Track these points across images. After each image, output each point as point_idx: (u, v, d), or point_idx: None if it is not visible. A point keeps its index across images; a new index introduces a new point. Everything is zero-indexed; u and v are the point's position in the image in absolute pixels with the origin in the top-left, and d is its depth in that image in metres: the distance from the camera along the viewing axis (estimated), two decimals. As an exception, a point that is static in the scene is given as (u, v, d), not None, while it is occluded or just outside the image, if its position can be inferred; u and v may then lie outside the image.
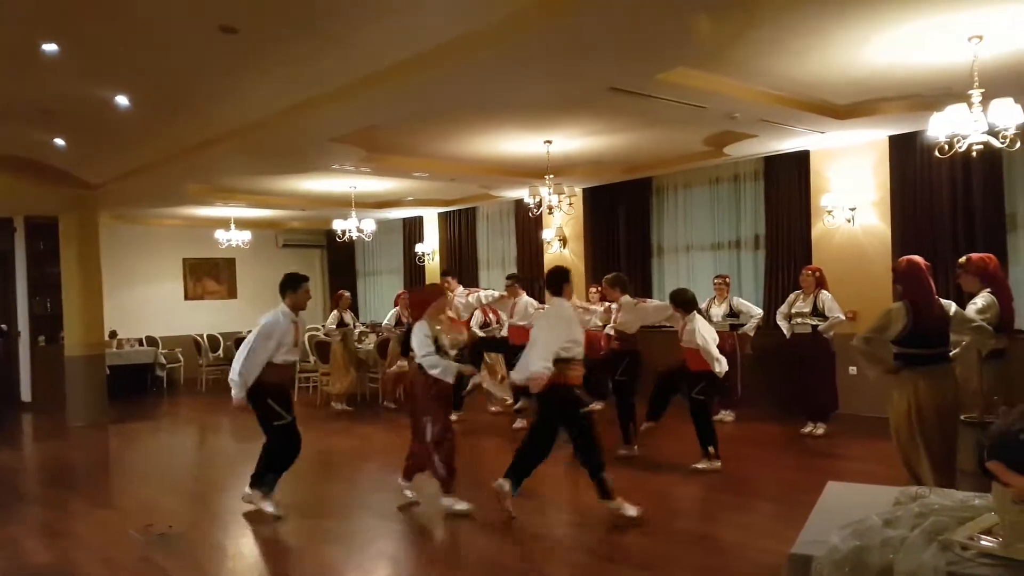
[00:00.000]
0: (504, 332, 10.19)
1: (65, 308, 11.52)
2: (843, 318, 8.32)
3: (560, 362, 5.65)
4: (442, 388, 6.22)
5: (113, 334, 13.82)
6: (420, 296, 6.67)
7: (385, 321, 11.62)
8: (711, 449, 7.16)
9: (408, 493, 6.42)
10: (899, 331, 4.89)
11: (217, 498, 7.15)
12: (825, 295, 8.35)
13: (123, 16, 5.12)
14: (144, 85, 6.72)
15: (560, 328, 5.76)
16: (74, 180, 10.80)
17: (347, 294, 12.38)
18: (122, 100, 7.00)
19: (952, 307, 5.08)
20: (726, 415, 9.24)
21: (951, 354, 5.16)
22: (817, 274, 8.47)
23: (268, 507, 6.24)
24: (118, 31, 5.41)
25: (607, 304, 8.46)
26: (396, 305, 11.60)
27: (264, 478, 6.34)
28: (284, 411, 6.33)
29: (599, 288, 9.79)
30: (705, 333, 7.09)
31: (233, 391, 6.17)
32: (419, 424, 6.24)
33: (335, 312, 11.84)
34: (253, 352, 6.10)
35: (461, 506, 6.06)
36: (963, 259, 6.09)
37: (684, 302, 7.25)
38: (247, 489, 6.39)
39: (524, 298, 9.75)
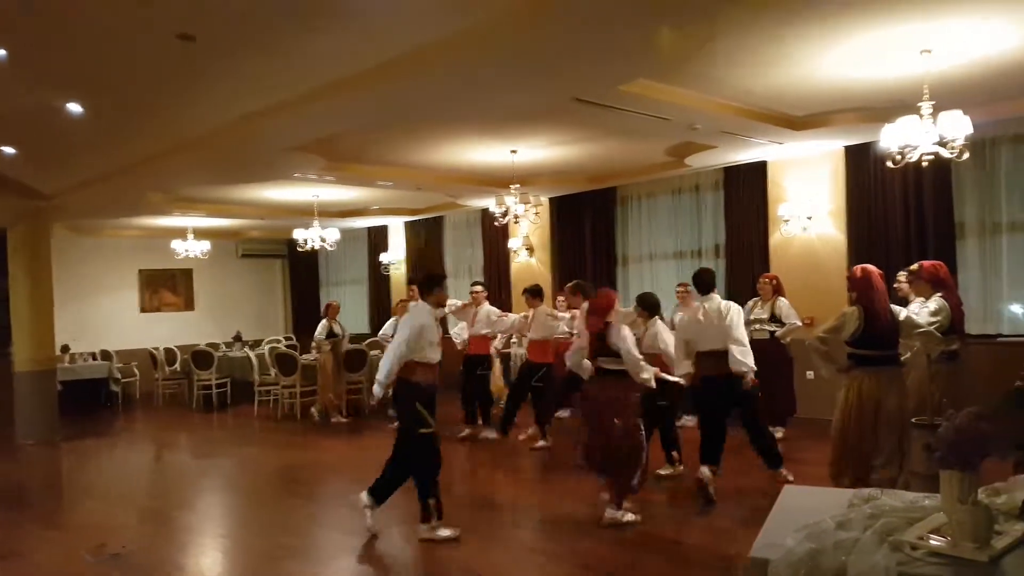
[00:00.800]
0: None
1: (14, 322, 11.17)
2: (800, 324, 8.42)
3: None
4: (636, 394, 5.99)
5: (65, 348, 13.50)
6: (602, 301, 6.18)
7: (383, 331, 10.79)
8: (675, 454, 7.23)
9: (631, 516, 5.90)
10: (851, 333, 5.30)
11: (173, 516, 6.98)
12: (782, 302, 8.46)
13: (75, 22, 5.00)
14: (99, 93, 6.57)
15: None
16: (25, 190, 10.53)
17: (337, 303, 12.14)
18: (75, 108, 6.83)
19: (903, 313, 5.46)
20: (688, 420, 9.26)
21: (903, 358, 5.52)
22: (774, 282, 8.59)
23: (444, 532, 5.75)
24: (70, 38, 5.28)
25: (574, 312, 8.46)
26: (395, 314, 10.91)
27: (426, 506, 5.78)
28: (431, 418, 5.78)
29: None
30: (667, 338, 7.13)
31: (375, 389, 5.93)
32: (623, 432, 5.82)
33: (324, 322, 11.52)
34: (406, 345, 5.70)
35: (629, 517, 5.84)
36: (915, 266, 6.38)
37: (650, 306, 7.24)
38: (370, 519, 5.97)
39: (486, 307, 9.70)
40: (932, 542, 2.40)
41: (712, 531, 5.71)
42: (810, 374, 8.80)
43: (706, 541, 5.47)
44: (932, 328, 5.62)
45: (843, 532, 2.56)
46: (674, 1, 4.54)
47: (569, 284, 8.28)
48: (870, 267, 5.50)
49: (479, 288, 9.85)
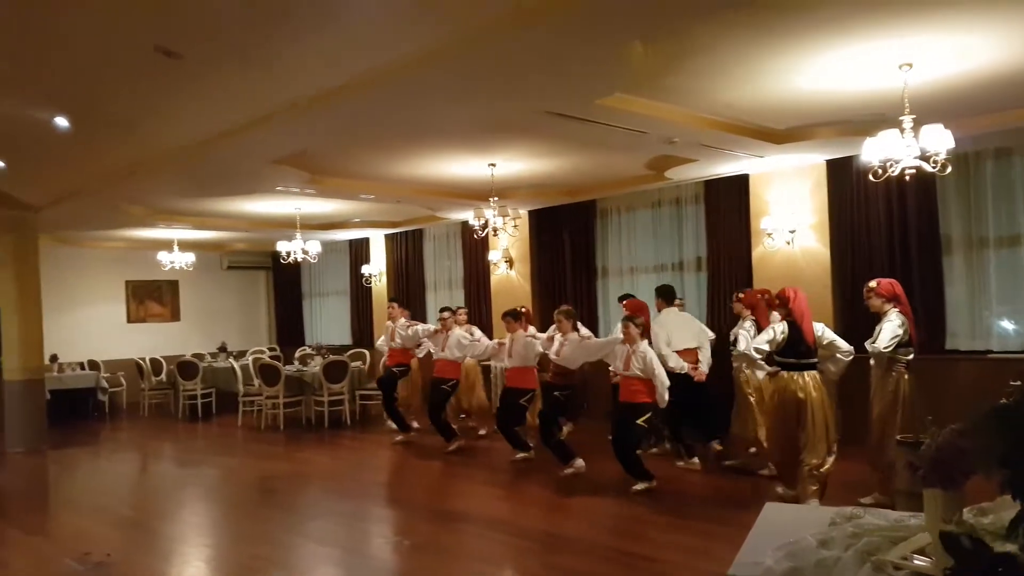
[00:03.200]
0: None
1: (3, 332, 11.21)
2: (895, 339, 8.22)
3: None
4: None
5: (54, 358, 13.53)
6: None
7: (379, 343, 10.79)
8: (648, 471, 7.27)
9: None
10: (780, 344, 6.41)
11: (157, 525, 7.01)
12: (774, 317, 8.30)
13: (57, 37, 5.06)
14: (82, 107, 6.62)
15: None
16: (12, 201, 10.58)
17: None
18: (61, 122, 6.89)
19: (822, 329, 6.50)
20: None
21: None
22: (765, 296, 8.45)
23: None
24: (54, 53, 5.34)
25: (556, 335, 8.32)
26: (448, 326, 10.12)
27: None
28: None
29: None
30: (658, 361, 7.17)
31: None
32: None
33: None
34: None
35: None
36: (873, 283, 6.62)
37: (642, 328, 7.30)
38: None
39: (456, 332, 9.79)
40: (916, 562, 2.34)
41: (689, 549, 5.71)
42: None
43: (683, 558, 5.48)
44: (890, 342, 6.27)
45: (825, 551, 2.49)
46: (642, 18, 4.59)
47: (563, 309, 8.29)
48: (800, 291, 6.52)
49: (446, 315, 9.98)
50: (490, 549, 5.97)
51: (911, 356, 6.36)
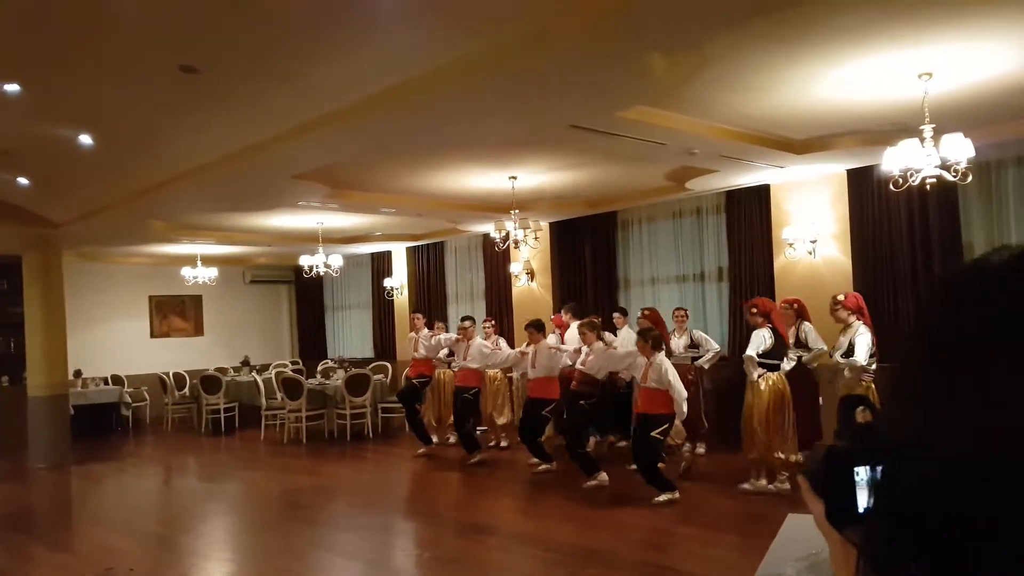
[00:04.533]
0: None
1: (28, 348, 11.34)
2: (826, 349, 8.27)
3: None
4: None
5: (78, 373, 13.63)
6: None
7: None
8: (671, 482, 7.25)
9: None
10: (767, 349, 7.18)
11: (181, 540, 7.05)
12: (807, 327, 8.26)
13: (85, 56, 5.14)
14: (106, 125, 6.71)
15: None
16: (37, 219, 10.71)
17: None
18: (86, 139, 6.98)
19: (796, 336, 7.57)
20: (698, 448, 9.26)
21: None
22: (796, 305, 8.39)
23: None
24: (80, 71, 5.42)
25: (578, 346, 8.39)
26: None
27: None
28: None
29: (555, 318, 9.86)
30: (675, 372, 7.17)
31: None
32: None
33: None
34: None
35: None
36: (841, 296, 7.22)
37: (655, 340, 7.31)
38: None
39: (477, 341, 9.81)
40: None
41: (715, 560, 5.69)
42: (820, 400, 8.67)
43: (704, 569, 5.47)
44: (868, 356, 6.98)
45: None
46: (662, 31, 4.59)
47: (585, 322, 8.25)
48: (775, 304, 7.67)
49: (467, 323, 9.96)
50: (517, 562, 5.96)
51: (874, 366, 6.95)
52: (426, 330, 10.70)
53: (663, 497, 7.12)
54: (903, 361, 0.78)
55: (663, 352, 7.33)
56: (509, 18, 4.60)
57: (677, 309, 9.61)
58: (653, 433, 7.09)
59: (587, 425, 8.45)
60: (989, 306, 0.69)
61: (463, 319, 10.19)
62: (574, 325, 8.95)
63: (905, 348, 0.78)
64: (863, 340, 6.82)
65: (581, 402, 8.01)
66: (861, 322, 6.99)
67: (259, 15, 4.57)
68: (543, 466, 8.76)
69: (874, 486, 0.81)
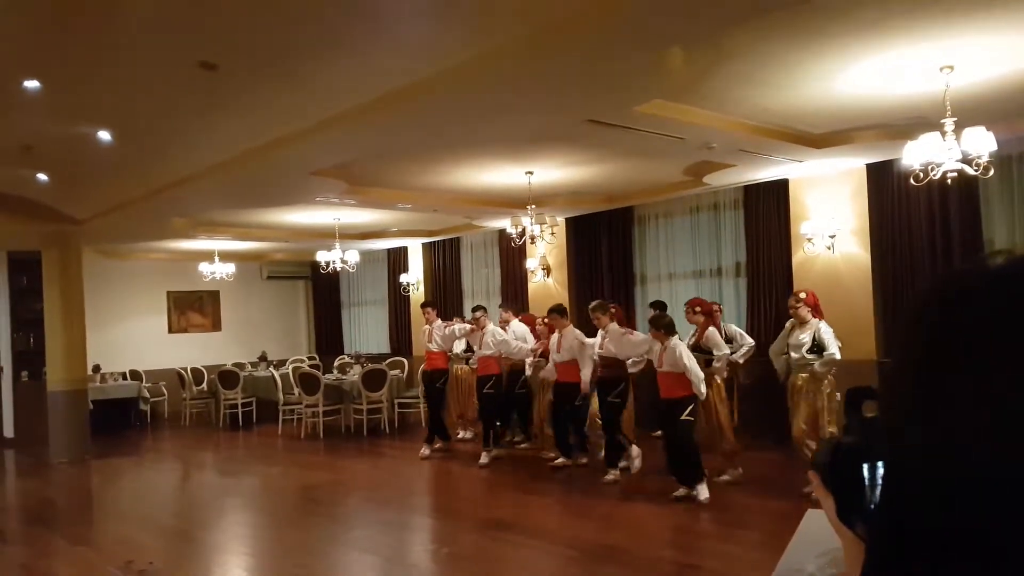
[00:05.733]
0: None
1: (48, 343, 11.43)
2: (838, 356, 8.13)
3: None
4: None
5: (97, 368, 13.73)
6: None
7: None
8: (706, 472, 7.17)
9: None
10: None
11: (199, 534, 7.09)
12: (825, 329, 8.14)
13: (105, 53, 5.16)
14: (126, 121, 6.73)
15: None
16: (57, 215, 10.79)
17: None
18: (105, 136, 7.02)
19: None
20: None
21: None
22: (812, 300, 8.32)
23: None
24: (100, 68, 5.44)
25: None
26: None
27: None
28: None
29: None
30: (689, 354, 7.17)
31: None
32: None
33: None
34: None
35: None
36: (802, 293, 7.27)
37: (666, 326, 7.31)
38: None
39: (490, 327, 9.78)
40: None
41: (730, 556, 5.68)
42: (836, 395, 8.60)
43: (724, 566, 5.45)
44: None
45: None
46: (681, 24, 4.55)
47: (593, 306, 8.27)
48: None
49: (479, 313, 9.94)
50: (534, 559, 5.95)
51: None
52: (439, 321, 10.67)
53: (701, 494, 7.05)
54: (898, 362, 0.78)
55: (676, 336, 7.32)
56: (527, 13, 4.58)
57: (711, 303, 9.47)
58: (682, 417, 7.06)
59: (618, 417, 8.27)
60: (987, 308, 0.69)
61: (474, 309, 10.21)
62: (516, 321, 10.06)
63: (901, 349, 0.78)
64: (829, 334, 6.94)
65: (608, 397, 8.01)
66: (818, 319, 7.09)
67: (278, 11, 4.57)
68: (559, 460, 8.74)
69: (880, 484, 0.80)
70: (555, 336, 8.75)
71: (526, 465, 9.15)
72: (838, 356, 6.95)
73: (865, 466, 0.83)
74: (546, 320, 9.26)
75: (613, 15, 4.39)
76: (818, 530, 3.21)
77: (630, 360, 8.03)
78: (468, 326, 10.17)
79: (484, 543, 6.19)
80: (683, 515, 6.75)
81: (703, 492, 7.06)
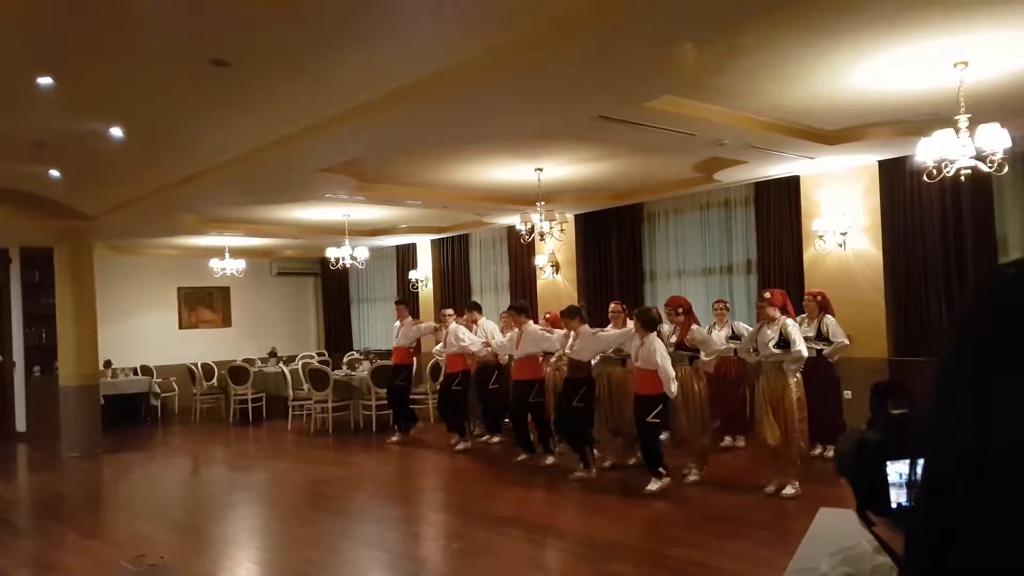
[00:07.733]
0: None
1: (60, 338, 11.48)
2: (847, 342, 8.21)
3: None
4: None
5: (108, 363, 13.79)
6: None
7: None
8: (662, 469, 7.29)
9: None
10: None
11: (210, 529, 7.12)
12: (829, 319, 8.22)
13: (118, 50, 5.17)
14: (137, 118, 6.77)
15: None
16: (69, 211, 10.83)
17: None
18: (117, 132, 7.04)
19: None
20: (737, 441, 9.22)
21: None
22: (819, 298, 8.36)
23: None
24: (112, 65, 5.46)
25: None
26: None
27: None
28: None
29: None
30: (664, 352, 7.21)
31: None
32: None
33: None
34: None
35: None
36: (768, 293, 7.21)
37: (647, 320, 7.34)
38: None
39: (452, 326, 10.22)
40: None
41: (744, 556, 5.64)
42: (848, 394, 8.60)
43: (734, 565, 5.43)
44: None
45: (881, 556, 2.49)
46: (692, 20, 4.52)
47: (563, 310, 8.53)
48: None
49: (448, 311, 10.62)
50: (542, 555, 5.96)
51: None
52: (409, 318, 11.39)
53: (654, 486, 7.20)
54: (947, 361, 0.76)
55: (655, 333, 7.36)
56: (538, 8, 4.57)
57: (717, 301, 9.45)
58: (648, 419, 7.18)
59: (590, 421, 8.30)
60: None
61: (443, 309, 10.90)
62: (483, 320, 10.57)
63: (951, 349, 0.76)
64: (797, 331, 6.95)
65: (575, 400, 8.00)
66: (787, 317, 7.07)
67: (290, 8, 4.58)
68: (522, 456, 8.97)
69: (907, 483, 0.79)
70: (567, 334, 8.65)
71: (535, 463, 9.14)
72: (805, 354, 6.92)
73: (890, 464, 0.82)
74: (547, 316, 9.67)
75: (624, 11, 4.37)
76: (830, 529, 3.19)
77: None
78: (433, 325, 10.80)
79: (494, 539, 6.19)
80: (692, 513, 6.73)
81: (653, 485, 7.21)
